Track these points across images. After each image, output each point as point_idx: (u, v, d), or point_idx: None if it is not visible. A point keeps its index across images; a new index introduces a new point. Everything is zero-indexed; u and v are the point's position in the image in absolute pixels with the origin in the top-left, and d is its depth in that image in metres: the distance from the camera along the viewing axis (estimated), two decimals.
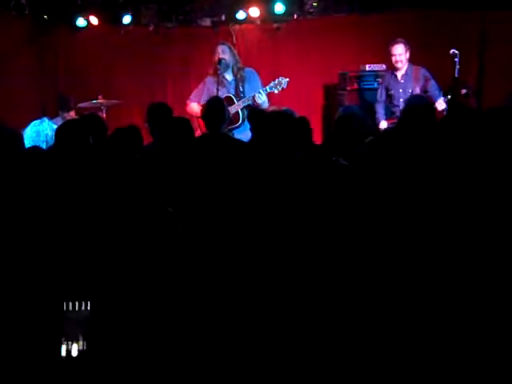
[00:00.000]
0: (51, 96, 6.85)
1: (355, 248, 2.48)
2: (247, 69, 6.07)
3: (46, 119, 5.51)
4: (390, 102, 6.23)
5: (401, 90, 6.14)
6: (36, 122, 5.45)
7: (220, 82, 5.77)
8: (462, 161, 2.86)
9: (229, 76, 5.93)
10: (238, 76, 5.91)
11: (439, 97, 5.89)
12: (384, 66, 6.87)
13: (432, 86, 6.06)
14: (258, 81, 5.99)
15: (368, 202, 2.66)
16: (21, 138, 3.57)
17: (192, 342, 2.14)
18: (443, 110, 5.78)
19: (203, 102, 5.88)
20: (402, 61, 6.12)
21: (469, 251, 2.40)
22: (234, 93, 5.85)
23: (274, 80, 5.86)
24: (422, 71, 6.12)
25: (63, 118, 6.06)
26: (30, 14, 6.94)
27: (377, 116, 6.25)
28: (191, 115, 5.90)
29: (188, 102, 6.08)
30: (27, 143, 5.01)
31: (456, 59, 5.86)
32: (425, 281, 2.32)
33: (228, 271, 2.51)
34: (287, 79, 5.86)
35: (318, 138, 7.20)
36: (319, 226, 2.69)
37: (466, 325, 2.21)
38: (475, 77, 6.81)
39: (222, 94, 5.73)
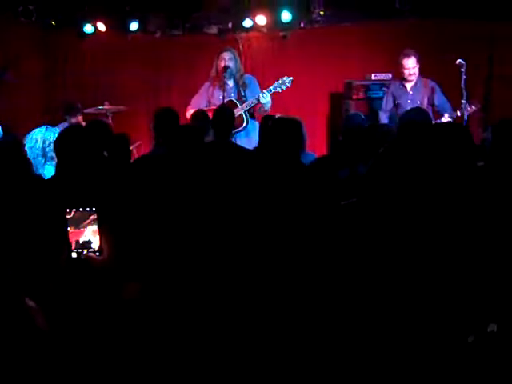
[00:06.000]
0: (58, 101, 6.87)
1: (358, 253, 2.48)
2: (247, 75, 6.13)
3: (48, 127, 5.52)
4: (398, 113, 6.09)
5: (409, 101, 6.10)
6: (41, 128, 5.48)
7: (222, 87, 5.84)
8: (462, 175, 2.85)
9: (231, 82, 5.96)
10: (240, 82, 5.95)
11: (447, 111, 5.88)
12: (390, 76, 6.88)
13: (438, 99, 6.04)
14: (257, 87, 6.05)
15: (373, 211, 2.66)
16: (20, 145, 3.58)
17: (192, 343, 2.14)
18: None
19: (204, 107, 5.95)
20: (415, 73, 6.07)
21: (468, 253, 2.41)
22: (236, 97, 5.87)
23: (277, 80, 5.88)
24: (431, 84, 6.09)
25: (70, 123, 6.08)
26: (37, 20, 6.98)
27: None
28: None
29: (188, 107, 6.07)
30: (31, 150, 5.05)
31: (462, 69, 5.86)
32: (423, 281, 2.33)
33: (234, 277, 2.51)
34: (291, 78, 5.86)
35: (323, 146, 7.22)
36: (323, 231, 2.69)
37: (466, 325, 2.21)
38: (483, 87, 6.81)
39: (224, 99, 5.78)
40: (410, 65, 6.03)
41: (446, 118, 5.86)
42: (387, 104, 6.27)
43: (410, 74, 6.07)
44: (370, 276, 2.36)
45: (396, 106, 6.21)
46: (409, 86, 6.16)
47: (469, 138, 3.02)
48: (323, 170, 4.03)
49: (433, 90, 6.06)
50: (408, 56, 6.04)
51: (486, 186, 2.92)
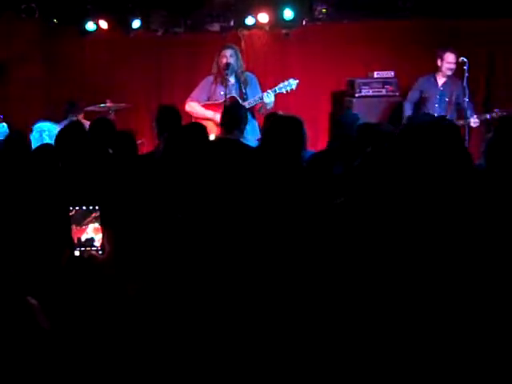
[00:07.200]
0: (60, 99, 6.87)
1: (355, 251, 2.48)
2: (248, 73, 6.12)
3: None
4: (424, 105, 6.28)
5: (438, 96, 6.21)
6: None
7: (224, 83, 5.83)
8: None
9: (232, 79, 5.96)
10: (242, 79, 5.95)
11: (471, 114, 6.00)
12: (392, 73, 6.89)
13: (464, 99, 6.09)
14: (258, 86, 6.07)
15: (366, 211, 2.66)
16: (25, 141, 3.61)
17: (191, 342, 2.14)
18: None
19: (203, 101, 5.95)
20: (453, 69, 6.15)
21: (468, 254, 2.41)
22: (238, 94, 5.87)
23: (283, 81, 5.89)
24: (460, 83, 6.14)
25: (72, 121, 6.08)
26: (40, 18, 6.99)
27: (403, 115, 6.31)
28: (190, 115, 5.94)
29: (188, 100, 6.09)
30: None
31: (465, 67, 5.87)
32: (424, 283, 2.32)
33: (232, 274, 2.51)
34: (297, 81, 5.90)
35: (325, 144, 7.20)
36: (321, 230, 2.69)
37: (466, 326, 2.21)
38: (485, 85, 6.81)
39: (225, 95, 5.77)
40: (452, 60, 6.11)
41: (475, 122, 5.96)
42: (413, 97, 6.40)
43: (449, 69, 6.16)
44: (360, 276, 2.36)
45: (423, 99, 6.30)
46: (440, 81, 6.24)
47: (459, 139, 3.02)
48: (319, 167, 4.02)
49: (462, 90, 6.11)
50: (452, 51, 6.13)
51: (476, 185, 2.91)
